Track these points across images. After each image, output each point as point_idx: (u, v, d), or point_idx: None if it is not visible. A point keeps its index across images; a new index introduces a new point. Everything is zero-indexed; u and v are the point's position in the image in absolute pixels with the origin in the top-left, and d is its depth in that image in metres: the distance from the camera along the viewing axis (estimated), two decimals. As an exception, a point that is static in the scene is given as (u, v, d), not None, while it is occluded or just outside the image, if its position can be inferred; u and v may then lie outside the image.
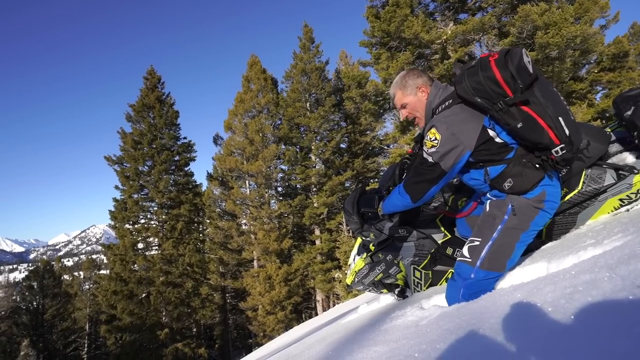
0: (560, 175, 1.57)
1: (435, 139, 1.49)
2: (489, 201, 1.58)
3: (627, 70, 12.67)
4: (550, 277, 1.20)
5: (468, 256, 1.49)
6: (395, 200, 1.72)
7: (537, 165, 1.46)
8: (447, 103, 1.56)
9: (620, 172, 1.63)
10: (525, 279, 1.38)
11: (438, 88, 1.67)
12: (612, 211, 1.67)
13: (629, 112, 1.58)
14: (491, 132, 1.49)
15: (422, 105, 1.71)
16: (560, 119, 1.41)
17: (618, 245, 1.20)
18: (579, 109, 10.35)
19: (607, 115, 11.52)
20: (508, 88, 1.40)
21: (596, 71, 12.85)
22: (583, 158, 1.64)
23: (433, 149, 1.50)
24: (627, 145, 1.68)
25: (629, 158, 1.65)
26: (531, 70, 1.40)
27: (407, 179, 1.65)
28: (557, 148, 1.42)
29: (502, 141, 1.50)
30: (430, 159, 1.52)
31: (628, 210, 1.65)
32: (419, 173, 1.58)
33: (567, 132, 1.41)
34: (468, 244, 1.53)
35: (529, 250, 1.74)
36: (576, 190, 1.66)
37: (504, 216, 1.48)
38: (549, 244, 1.74)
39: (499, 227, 1.48)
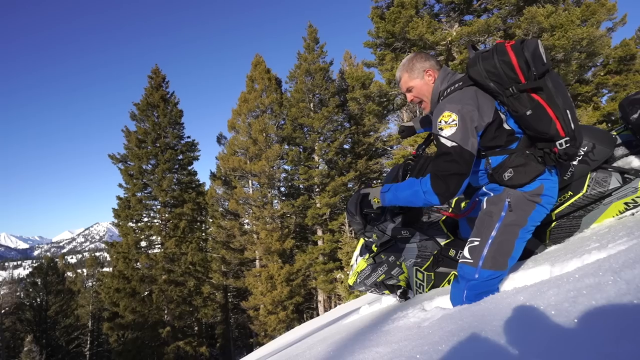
0: (559, 170, 1.56)
1: (453, 120, 1.42)
2: (486, 198, 1.57)
3: (633, 73, 12.53)
4: (554, 280, 1.20)
5: (469, 257, 1.48)
6: (410, 197, 1.55)
7: (539, 159, 1.46)
8: (457, 85, 1.53)
9: (626, 175, 1.62)
10: (528, 281, 1.38)
11: (446, 73, 1.64)
12: (616, 215, 1.66)
13: (635, 116, 1.58)
14: (502, 115, 1.49)
15: (429, 89, 1.66)
16: (567, 111, 1.41)
17: (623, 249, 1.19)
18: (585, 111, 10.28)
19: (613, 118, 11.43)
20: (522, 74, 1.40)
21: (602, 74, 12.73)
22: (588, 161, 1.64)
23: (452, 130, 1.41)
24: (632, 149, 1.67)
25: (634, 162, 1.64)
26: (545, 60, 1.41)
27: (430, 178, 1.46)
28: (562, 141, 1.41)
29: (509, 128, 1.49)
30: (451, 144, 1.41)
31: (633, 214, 1.64)
32: (443, 168, 1.42)
33: (572, 126, 1.41)
34: (468, 244, 1.52)
35: (533, 253, 1.73)
36: (581, 194, 1.66)
37: (501, 213, 1.47)
38: (553, 247, 1.73)
39: (497, 224, 1.47)
